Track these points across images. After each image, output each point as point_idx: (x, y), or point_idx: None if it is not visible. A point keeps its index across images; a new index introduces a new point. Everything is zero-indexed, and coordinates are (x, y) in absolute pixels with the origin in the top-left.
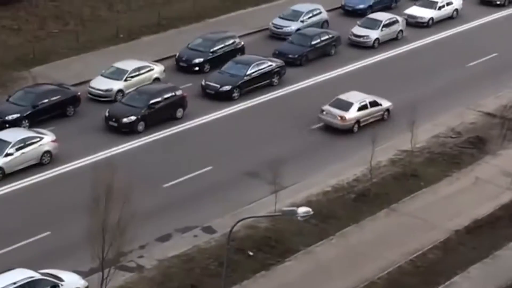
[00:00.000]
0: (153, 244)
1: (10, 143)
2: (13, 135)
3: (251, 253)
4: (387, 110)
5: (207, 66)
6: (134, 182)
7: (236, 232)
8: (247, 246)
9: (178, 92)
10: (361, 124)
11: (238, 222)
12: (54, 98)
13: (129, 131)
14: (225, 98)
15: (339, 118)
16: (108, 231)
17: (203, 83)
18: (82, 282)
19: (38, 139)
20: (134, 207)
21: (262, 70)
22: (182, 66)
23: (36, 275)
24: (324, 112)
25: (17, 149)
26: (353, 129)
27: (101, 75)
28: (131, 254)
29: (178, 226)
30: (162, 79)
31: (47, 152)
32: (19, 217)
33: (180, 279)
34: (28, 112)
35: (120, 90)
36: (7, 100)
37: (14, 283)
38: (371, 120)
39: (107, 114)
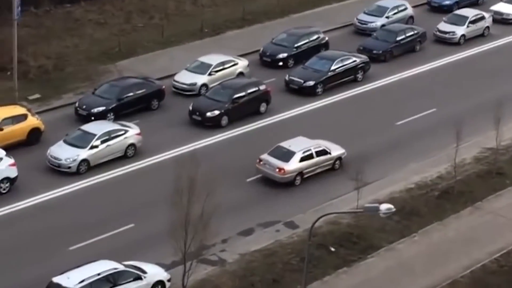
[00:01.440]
0: (235, 238)
1: (96, 135)
2: (98, 127)
3: (333, 249)
4: (338, 158)
5: (291, 61)
6: (217, 176)
7: (318, 228)
8: (329, 241)
9: (262, 87)
10: (305, 176)
11: (320, 217)
12: (139, 91)
13: (213, 125)
14: (309, 93)
15: (277, 170)
16: (191, 225)
17: (286, 78)
18: (164, 274)
19: (123, 132)
20: (217, 201)
21: (346, 66)
22: (266, 61)
23: (120, 267)
24: (262, 162)
25: (102, 142)
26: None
27: (186, 69)
28: (214, 248)
29: (260, 220)
30: (246, 73)
31: (132, 145)
32: (103, 209)
33: (262, 274)
34: (113, 105)
35: (204, 84)
36: (93, 93)
37: (99, 274)
38: (318, 170)
39: (191, 108)
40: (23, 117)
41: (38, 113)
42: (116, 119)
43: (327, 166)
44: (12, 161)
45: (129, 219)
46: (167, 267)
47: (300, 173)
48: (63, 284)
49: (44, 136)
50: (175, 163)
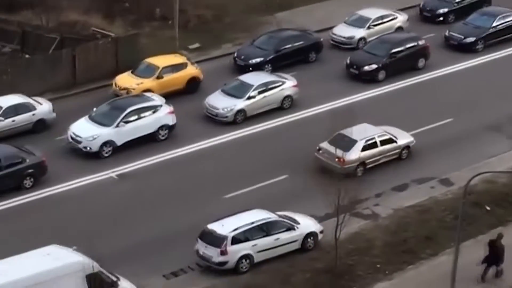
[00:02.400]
0: (389, 193)
1: (253, 86)
2: (256, 78)
3: (488, 208)
4: (406, 147)
5: (451, 17)
6: None
7: (473, 186)
8: (484, 200)
9: (421, 42)
10: (367, 167)
11: (476, 175)
12: (297, 43)
13: (370, 79)
14: (468, 49)
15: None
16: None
17: (446, 34)
18: (317, 226)
19: (280, 83)
20: None
21: (508, 23)
22: (426, 16)
23: (273, 217)
24: (321, 151)
25: (259, 93)
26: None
27: (344, 23)
28: (367, 202)
29: (415, 176)
30: (405, 28)
31: (288, 96)
32: (258, 159)
33: (415, 230)
34: (271, 57)
35: (362, 38)
36: (251, 44)
37: (252, 222)
38: (382, 160)
39: (348, 62)
40: (182, 66)
41: (197, 62)
42: (274, 70)
43: (394, 155)
44: (171, 108)
45: (283, 170)
46: (319, 219)
47: (363, 163)
48: (218, 231)
49: (202, 85)
50: (331, 116)
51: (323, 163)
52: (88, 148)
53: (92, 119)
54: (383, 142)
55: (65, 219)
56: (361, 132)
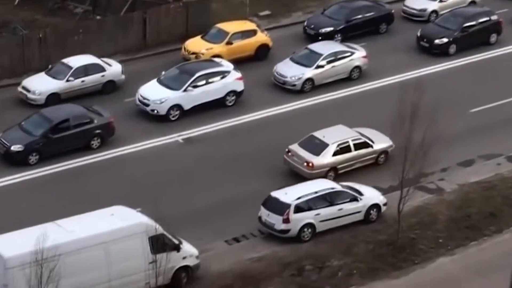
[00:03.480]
0: (455, 168)
1: (322, 55)
2: (325, 48)
3: None
4: (383, 152)
5: None
6: (440, 105)
7: None
8: None
9: (494, 17)
10: (339, 172)
11: None
12: (368, 14)
13: (440, 52)
14: None
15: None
16: (411, 151)
17: None
18: (381, 198)
19: (349, 53)
20: (438, 129)
21: None
22: None
23: (337, 187)
24: (290, 153)
25: (328, 62)
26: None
27: None
28: (432, 176)
29: (481, 152)
30: (478, 2)
31: (357, 67)
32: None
33: (479, 206)
34: (341, 27)
35: (434, 11)
36: (322, 13)
37: (316, 192)
38: (357, 165)
39: (419, 34)
40: (252, 33)
41: (267, 29)
42: (344, 40)
43: (369, 161)
44: (239, 75)
45: None
46: (384, 191)
47: (334, 168)
48: (281, 198)
49: (271, 53)
50: (400, 88)
51: (291, 167)
52: (156, 111)
53: (161, 82)
54: (358, 146)
55: (131, 181)
56: (334, 135)
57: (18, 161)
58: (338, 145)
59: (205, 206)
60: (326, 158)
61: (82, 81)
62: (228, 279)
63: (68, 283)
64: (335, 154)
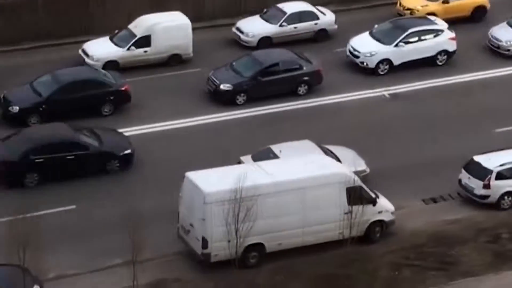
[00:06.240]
0: None
1: None
2: None
3: None
4: None
5: None
6: None
7: None
8: None
9: None
10: None
11: None
12: None
13: None
14: None
15: None
16: None
17: None
18: None
19: None
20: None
21: None
22: None
23: None
24: None
25: None
26: None
27: None
28: None
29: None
30: None
31: None
32: None
33: None
34: None
35: None
36: None
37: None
38: None
39: None
40: None
41: None
42: None
43: None
44: (452, 34)
45: None
46: None
47: None
48: (483, 164)
49: (488, 15)
50: None
51: None
52: (365, 64)
53: (373, 35)
54: None
55: (332, 130)
56: (293, 151)
57: (225, 100)
58: None
59: (405, 162)
60: None
61: (295, 27)
62: (421, 238)
63: (264, 224)
64: None
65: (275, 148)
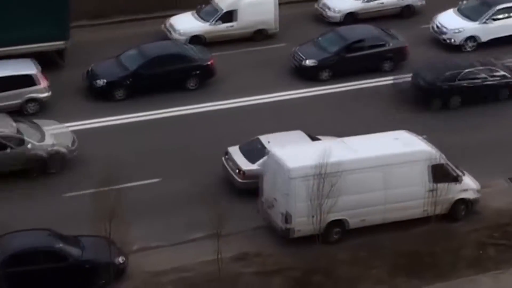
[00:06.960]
0: None
1: None
2: None
3: None
4: None
5: None
6: None
7: None
8: None
9: None
10: None
11: None
12: None
13: None
14: None
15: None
16: None
17: None
18: None
19: None
20: None
21: None
22: None
23: None
24: (226, 156)
25: None
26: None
27: None
28: None
29: None
30: None
31: None
32: None
33: None
34: None
35: None
36: None
37: None
38: None
39: None
40: None
41: None
42: None
43: None
44: None
45: None
46: None
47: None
48: None
49: None
50: None
51: (225, 172)
52: (452, 40)
53: (460, 12)
54: None
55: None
56: (282, 142)
57: (310, 76)
58: None
59: (491, 141)
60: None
61: (381, 3)
62: (506, 218)
63: (347, 200)
64: None
65: (263, 138)
